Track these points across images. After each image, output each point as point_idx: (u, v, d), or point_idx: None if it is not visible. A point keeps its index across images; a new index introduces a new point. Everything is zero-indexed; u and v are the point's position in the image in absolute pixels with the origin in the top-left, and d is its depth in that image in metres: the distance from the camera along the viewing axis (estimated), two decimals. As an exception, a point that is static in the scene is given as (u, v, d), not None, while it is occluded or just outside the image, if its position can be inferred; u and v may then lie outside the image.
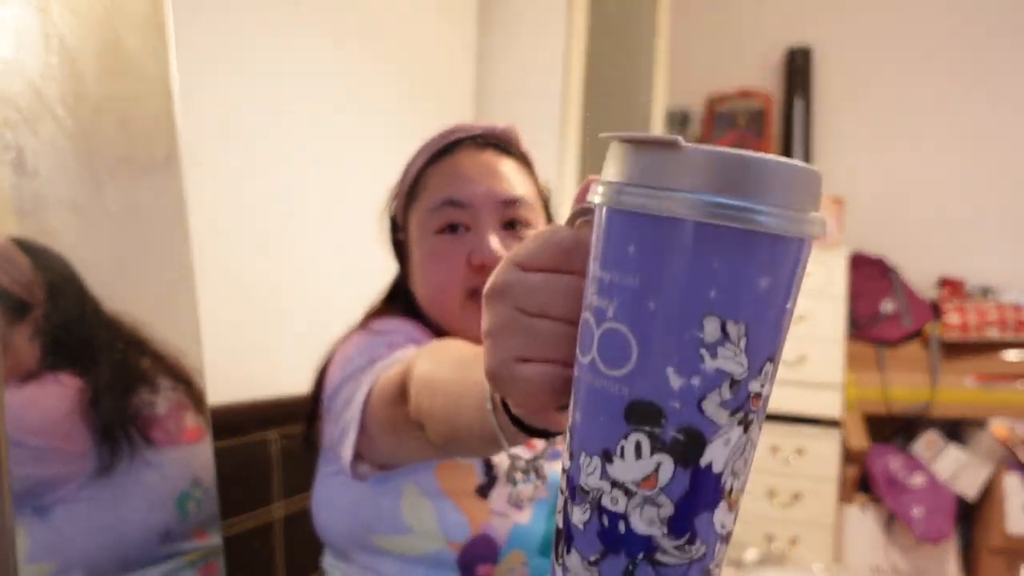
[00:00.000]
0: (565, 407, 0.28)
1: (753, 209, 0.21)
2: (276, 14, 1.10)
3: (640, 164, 0.23)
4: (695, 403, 0.23)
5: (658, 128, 2.15)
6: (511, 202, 0.68)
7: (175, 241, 0.79)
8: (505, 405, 0.34)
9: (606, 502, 0.25)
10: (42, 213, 0.66)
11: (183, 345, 0.78)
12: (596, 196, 0.25)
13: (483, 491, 0.63)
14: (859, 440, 2.10)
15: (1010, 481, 1.94)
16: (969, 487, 2.02)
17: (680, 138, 0.22)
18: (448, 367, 0.45)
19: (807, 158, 2.48)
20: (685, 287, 0.22)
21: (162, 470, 0.75)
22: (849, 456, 2.11)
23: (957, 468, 2.04)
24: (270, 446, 0.95)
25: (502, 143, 0.72)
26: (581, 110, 1.71)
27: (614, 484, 0.24)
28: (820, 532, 2.09)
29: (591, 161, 1.78)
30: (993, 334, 2.04)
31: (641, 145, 0.23)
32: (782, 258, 0.23)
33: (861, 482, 2.13)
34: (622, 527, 0.24)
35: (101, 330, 0.70)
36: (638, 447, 0.24)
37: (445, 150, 0.70)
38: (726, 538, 0.26)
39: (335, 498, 0.66)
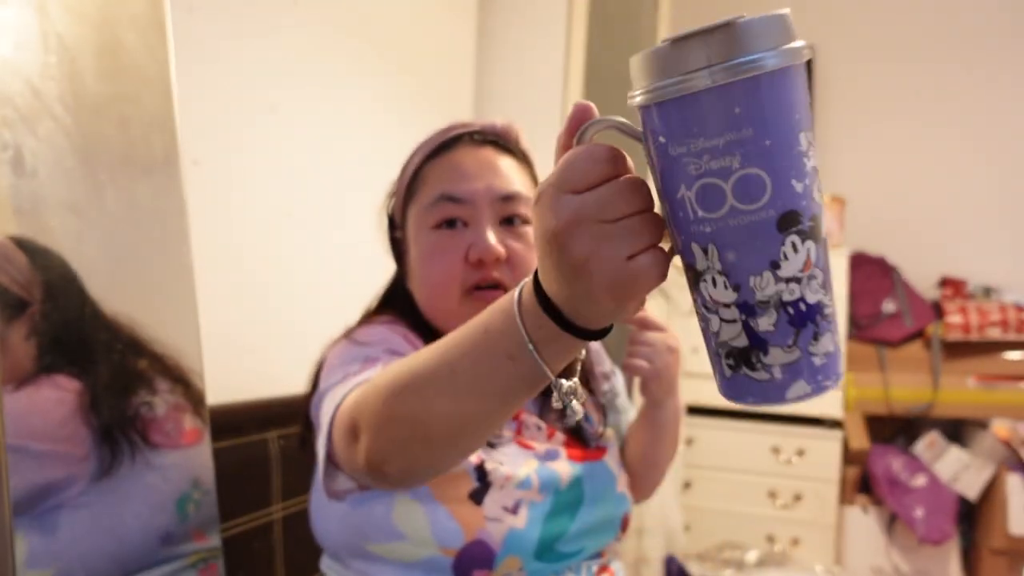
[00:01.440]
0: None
1: (796, 50, 0.31)
2: (275, 13, 1.10)
3: (706, 50, 0.31)
4: (811, 196, 0.32)
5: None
6: (509, 198, 0.67)
7: (174, 241, 0.79)
8: (557, 319, 0.37)
9: (786, 296, 0.32)
10: (41, 213, 0.66)
11: (182, 345, 0.78)
12: (654, 88, 0.32)
13: (476, 497, 0.62)
14: (860, 441, 2.10)
15: (1012, 481, 1.94)
16: (971, 488, 2.01)
17: (732, 19, 0.31)
18: (434, 353, 0.44)
19: (808, 158, 2.48)
20: (785, 120, 0.31)
21: (162, 472, 0.74)
22: (850, 457, 2.11)
23: (959, 469, 2.04)
24: (269, 446, 0.95)
25: (501, 140, 0.72)
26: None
27: (788, 280, 0.32)
28: (821, 533, 2.08)
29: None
30: (995, 334, 2.04)
31: (699, 35, 0.32)
32: (797, 80, 0.32)
33: (862, 483, 2.12)
34: (803, 306, 0.32)
35: (100, 330, 0.70)
36: (794, 245, 0.32)
37: (443, 147, 0.70)
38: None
39: (329, 504, 0.66)
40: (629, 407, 0.87)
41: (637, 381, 0.74)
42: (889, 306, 2.18)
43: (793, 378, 0.33)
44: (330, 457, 0.57)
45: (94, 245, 0.70)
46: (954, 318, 2.06)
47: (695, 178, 0.31)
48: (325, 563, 0.71)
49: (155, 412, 0.74)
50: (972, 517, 2.09)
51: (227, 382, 0.92)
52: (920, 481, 2.01)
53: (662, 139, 0.32)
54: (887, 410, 2.11)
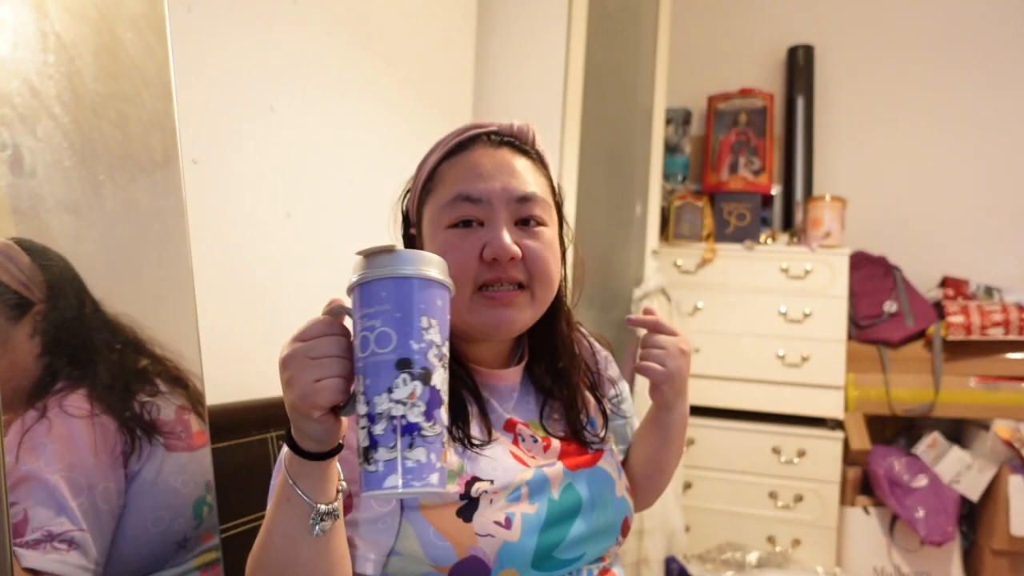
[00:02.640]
0: (343, 408, 0.52)
1: (419, 273, 0.50)
2: (274, 13, 1.10)
3: (378, 260, 0.50)
4: (424, 355, 0.49)
5: (659, 128, 2.15)
6: (525, 199, 0.67)
7: (173, 240, 0.78)
8: (302, 453, 0.53)
9: (394, 412, 0.48)
10: (39, 212, 0.66)
11: (182, 345, 0.78)
12: (356, 276, 0.51)
13: (464, 515, 0.62)
14: (861, 441, 2.09)
15: (1014, 482, 1.93)
16: (972, 488, 2.01)
17: (393, 245, 0.50)
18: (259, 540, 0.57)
19: (809, 156, 2.48)
20: (411, 303, 0.49)
21: (180, 475, 0.74)
22: (851, 457, 2.10)
23: (960, 469, 2.03)
24: (269, 447, 0.94)
25: (518, 140, 0.71)
26: (581, 110, 1.70)
27: (396, 402, 0.48)
28: (822, 534, 2.08)
29: (591, 162, 1.78)
30: (996, 334, 2.03)
31: (374, 254, 0.50)
32: (435, 288, 0.51)
33: (863, 484, 2.12)
34: (404, 421, 0.48)
35: (102, 331, 0.70)
36: (404, 380, 0.48)
37: (460, 146, 0.70)
38: (447, 428, 0.51)
39: None
40: (634, 413, 0.86)
41: (645, 384, 0.74)
42: (890, 306, 2.17)
43: (389, 472, 0.48)
44: None
45: (93, 245, 0.70)
46: (956, 318, 2.05)
47: (359, 332, 0.50)
48: None
49: (164, 413, 0.74)
50: (973, 518, 2.08)
51: (226, 382, 0.91)
52: (921, 482, 2.01)
53: (353, 308, 0.51)
54: (888, 410, 2.11)
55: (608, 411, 0.79)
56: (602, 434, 0.75)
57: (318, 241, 1.20)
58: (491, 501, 0.63)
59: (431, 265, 0.51)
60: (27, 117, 0.65)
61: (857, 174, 2.48)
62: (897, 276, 2.24)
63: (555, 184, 0.74)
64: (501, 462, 0.66)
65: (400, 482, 0.47)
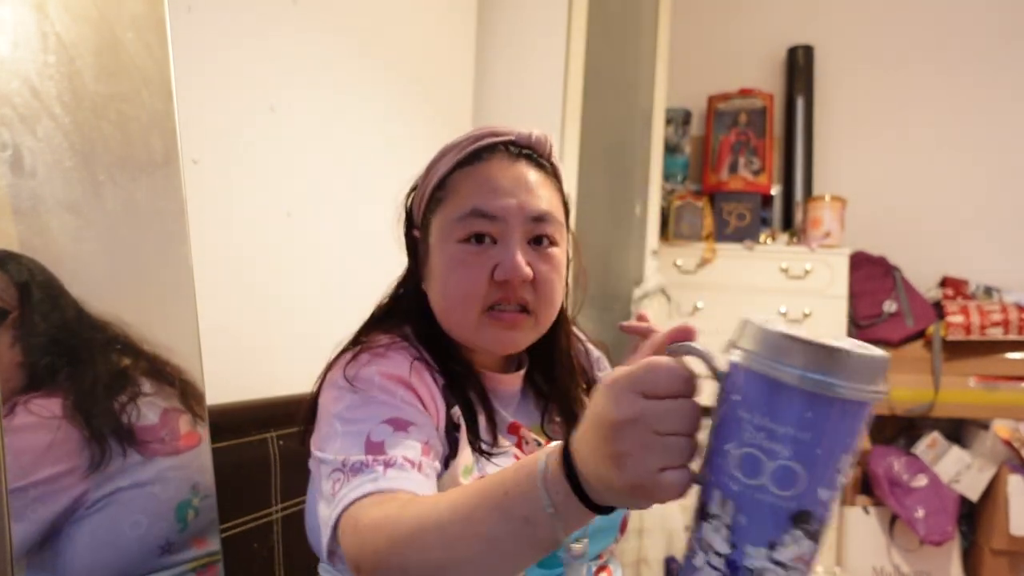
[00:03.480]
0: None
1: (874, 392, 0.35)
2: (274, 13, 1.10)
3: (813, 359, 0.35)
4: (828, 507, 0.36)
5: (659, 128, 2.15)
6: (540, 218, 0.66)
7: (173, 241, 0.78)
8: (579, 494, 0.41)
9: (767, 572, 0.37)
10: (39, 212, 0.66)
11: (181, 345, 0.78)
12: (759, 355, 0.37)
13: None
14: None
15: (1013, 482, 1.94)
16: (972, 488, 2.01)
17: (846, 347, 0.35)
18: (449, 507, 0.46)
19: (808, 156, 2.48)
20: (839, 439, 0.35)
21: (160, 480, 0.74)
22: (851, 457, 2.10)
23: (960, 469, 2.03)
24: (269, 447, 0.95)
25: (535, 153, 0.70)
26: (581, 110, 1.70)
27: (776, 563, 0.37)
28: (822, 533, 2.08)
29: (591, 162, 1.78)
30: (996, 334, 2.03)
31: (810, 344, 0.35)
32: (866, 416, 0.37)
33: (863, 483, 2.12)
34: None
35: (95, 334, 0.70)
36: (796, 538, 0.36)
37: (477, 155, 0.68)
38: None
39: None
40: None
41: None
42: (890, 306, 2.17)
43: None
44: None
45: (93, 244, 0.70)
46: (955, 318, 2.05)
47: (747, 443, 0.36)
48: (323, 567, 0.71)
49: (147, 418, 0.73)
50: (973, 517, 2.08)
51: (226, 382, 0.92)
52: (921, 481, 2.01)
53: (736, 396, 0.37)
54: (888, 410, 2.11)
55: None
56: None
57: (318, 241, 1.20)
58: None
59: (880, 375, 0.36)
60: (27, 117, 0.65)
61: (857, 174, 2.48)
62: (897, 276, 2.24)
63: (564, 197, 0.73)
64: (508, 461, 0.66)
65: None
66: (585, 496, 0.41)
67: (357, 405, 0.60)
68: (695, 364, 0.40)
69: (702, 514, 0.39)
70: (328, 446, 0.58)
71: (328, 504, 0.55)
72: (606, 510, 0.42)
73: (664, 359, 0.39)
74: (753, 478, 0.36)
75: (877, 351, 0.35)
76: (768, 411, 0.36)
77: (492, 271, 0.64)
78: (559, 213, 0.69)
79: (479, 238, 0.65)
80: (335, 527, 0.53)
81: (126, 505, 0.70)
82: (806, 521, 0.36)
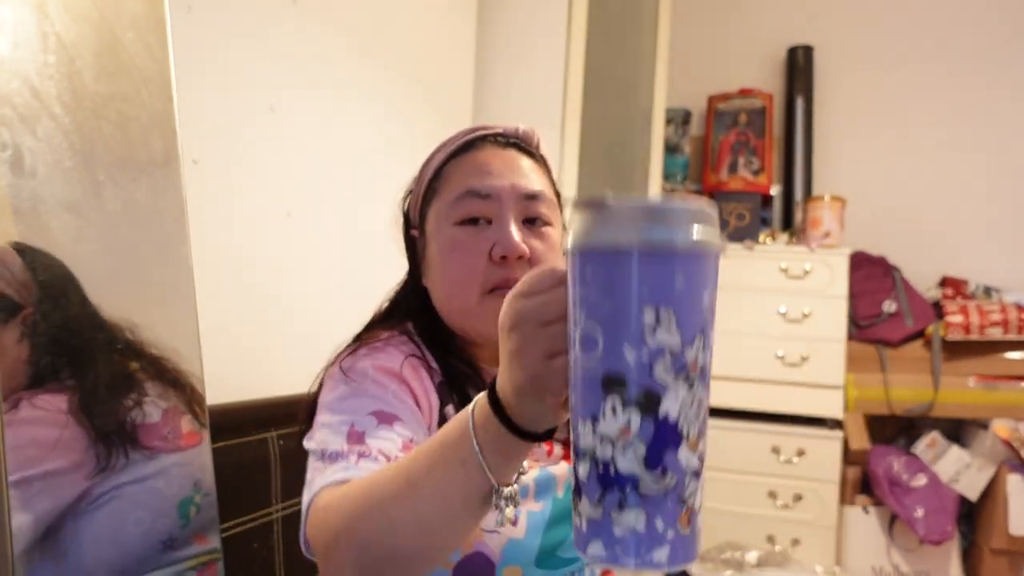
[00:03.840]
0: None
1: (669, 236, 0.33)
2: (274, 13, 1.10)
3: (593, 219, 0.34)
4: (647, 370, 0.33)
5: (659, 128, 2.15)
6: (533, 197, 0.67)
7: (173, 241, 0.79)
8: (509, 426, 0.42)
9: (599, 453, 0.34)
10: (40, 213, 0.66)
11: (181, 346, 0.78)
12: (566, 239, 0.37)
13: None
14: (860, 441, 2.09)
15: (1012, 481, 1.94)
16: (971, 488, 2.01)
17: (608, 196, 0.34)
18: (395, 468, 0.47)
19: (808, 156, 2.48)
20: (629, 290, 0.33)
21: (163, 477, 0.74)
22: (850, 457, 2.10)
23: (959, 469, 2.04)
24: (269, 447, 0.95)
25: (523, 143, 0.72)
26: (581, 110, 1.70)
27: (602, 439, 0.34)
28: (822, 533, 2.08)
29: (591, 162, 1.78)
30: (995, 334, 2.03)
31: (588, 206, 0.35)
32: (689, 263, 0.34)
33: (863, 483, 2.12)
34: (612, 470, 0.34)
35: (97, 332, 0.70)
36: (614, 408, 0.34)
37: (467, 146, 0.70)
38: (695, 474, 0.36)
39: None
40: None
41: None
42: (890, 306, 2.18)
43: (593, 535, 0.35)
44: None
45: (93, 245, 0.70)
46: (955, 318, 2.06)
47: (569, 320, 0.36)
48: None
49: (151, 416, 0.74)
50: (973, 517, 2.08)
51: (227, 382, 0.92)
52: (921, 481, 2.01)
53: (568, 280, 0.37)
54: (888, 410, 2.11)
55: None
56: None
57: (318, 241, 1.20)
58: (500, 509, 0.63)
59: (672, 220, 0.33)
60: (28, 117, 0.65)
61: (856, 174, 2.48)
62: (896, 276, 2.24)
63: (557, 191, 0.74)
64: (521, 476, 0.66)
65: (603, 554, 0.34)
66: (508, 422, 0.42)
67: (347, 396, 0.60)
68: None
69: None
70: (315, 435, 0.59)
71: (307, 492, 0.55)
72: (530, 436, 0.42)
73: (541, 266, 0.43)
74: (573, 349, 0.36)
75: (647, 199, 0.34)
76: (572, 280, 0.36)
77: (490, 251, 0.65)
78: (551, 196, 0.70)
79: (474, 220, 0.66)
80: (306, 513, 0.53)
81: (129, 500, 0.71)
82: (619, 385, 0.33)
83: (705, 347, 0.34)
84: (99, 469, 0.68)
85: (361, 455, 0.55)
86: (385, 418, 0.58)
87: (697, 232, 0.33)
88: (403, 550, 0.46)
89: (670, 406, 0.33)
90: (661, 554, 0.34)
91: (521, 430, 0.42)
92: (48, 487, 0.64)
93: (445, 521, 0.46)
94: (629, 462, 0.33)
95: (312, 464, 0.57)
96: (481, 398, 0.44)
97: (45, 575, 0.64)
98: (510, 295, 0.41)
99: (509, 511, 0.46)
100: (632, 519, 0.34)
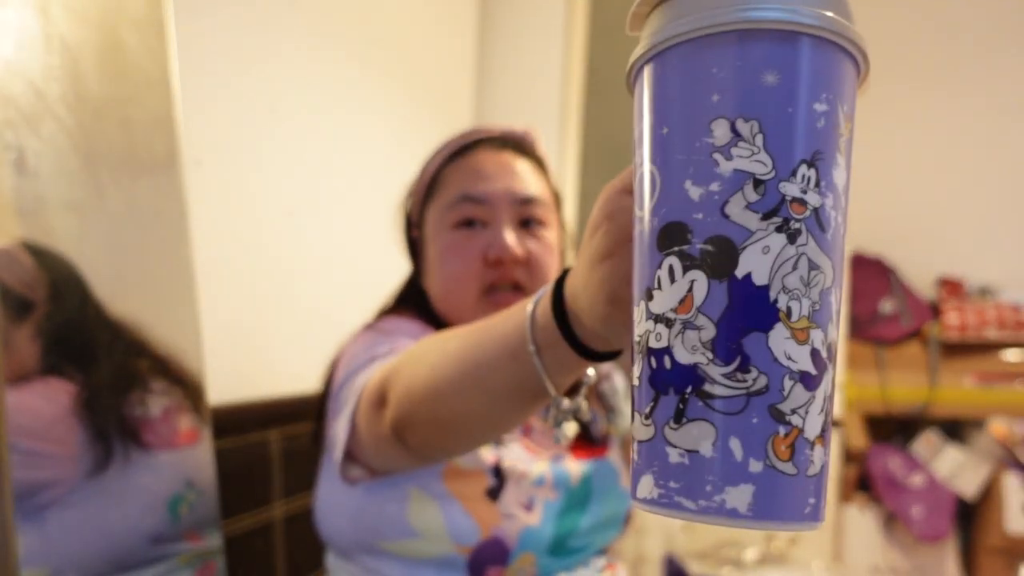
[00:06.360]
0: None
1: (761, 14, 0.22)
2: (275, 14, 1.11)
3: (663, 16, 0.25)
4: (718, 209, 0.23)
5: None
6: (528, 200, 0.68)
7: (175, 241, 0.79)
8: (570, 338, 0.36)
9: (651, 343, 0.23)
10: (43, 213, 0.66)
11: (183, 345, 0.78)
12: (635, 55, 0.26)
13: (493, 494, 0.62)
14: (858, 440, 2.10)
15: (1009, 480, 1.95)
16: (968, 487, 2.02)
17: None
18: (454, 342, 0.44)
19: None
20: (688, 100, 0.23)
21: (154, 473, 0.74)
22: (848, 456, 2.11)
23: (956, 467, 2.05)
24: (271, 446, 0.95)
25: (520, 145, 0.72)
26: (581, 111, 1.71)
27: (656, 320, 0.23)
28: (819, 531, 2.09)
29: (591, 162, 1.78)
30: (992, 334, 2.04)
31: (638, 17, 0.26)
32: (782, 53, 0.22)
33: (860, 482, 2.13)
34: (668, 362, 0.23)
35: (102, 331, 0.70)
36: (671, 271, 0.23)
37: (464, 149, 0.71)
38: (804, 378, 0.22)
39: (339, 501, 0.66)
40: (626, 407, 0.87)
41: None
42: (887, 306, 2.18)
43: (644, 468, 0.24)
44: (348, 448, 0.58)
45: (96, 245, 0.71)
46: (952, 318, 2.07)
47: (634, 167, 0.26)
48: (330, 560, 0.72)
49: (149, 413, 0.74)
50: (969, 516, 2.09)
51: (228, 381, 0.92)
52: (918, 480, 2.02)
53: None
54: (885, 409, 2.12)
55: (607, 404, 0.80)
56: (605, 427, 0.76)
57: (320, 240, 1.20)
58: (517, 483, 0.63)
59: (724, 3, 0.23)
60: (31, 119, 0.65)
61: (854, 174, 2.48)
62: (893, 276, 2.25)
63: (555, 190, 0.75)
64: (516, 449, 0.67)
65: (654, 494, 0.24)
66: (572, 334, 0.36)
67: (379, 341, 0.62)
68: None
69: None
70: (349, 371, 0.60)
71: (343, 408, 0.56)
72: (590, 354, 0.36)
73: None
74: (638, 209, 0.26)
75: None
76: (635, 114, 0.26)
77: (485, 252, 0.66)
78: (548, 198, 0.71)
79: (470, 223, 0.67)
80: (355, 408, 0.54)
81: (116, 495, 0.71)
82: (679, 237, 0.23)
83: (824, 187, 0.23)
84: (97, 467, 0.68)
85: (393, 351, 0.57)
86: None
87: (811, 14, 0.22)
88: (451, 427, 0.44)
89: (755, 263, 0.22)
90: (739, 496, 0.22)
91: (582, 346, 0.36)
92: (47, 487, 0.65)
93: (491, 411, 0.42)
94: (691, 350, 0.23)
95: (362, 373, 0.57)
96: (545, 296, 0.38)
97: (37, 563, 0.64)
98: (613, 182, 0.33)
99: (567, 429, 0.41)
100: (693, 436, 0.22)
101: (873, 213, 2.43)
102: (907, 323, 2.15)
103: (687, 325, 0.23)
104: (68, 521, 0.67)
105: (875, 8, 2.50)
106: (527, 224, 0.68)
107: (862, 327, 2.18)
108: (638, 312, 0.25)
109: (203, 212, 0.90)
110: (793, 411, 0.22)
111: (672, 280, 0.23)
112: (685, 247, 0.23)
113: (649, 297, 0.24)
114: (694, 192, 0.23)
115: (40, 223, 0.66)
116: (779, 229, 0.23)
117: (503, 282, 0.66)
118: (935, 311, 2.15)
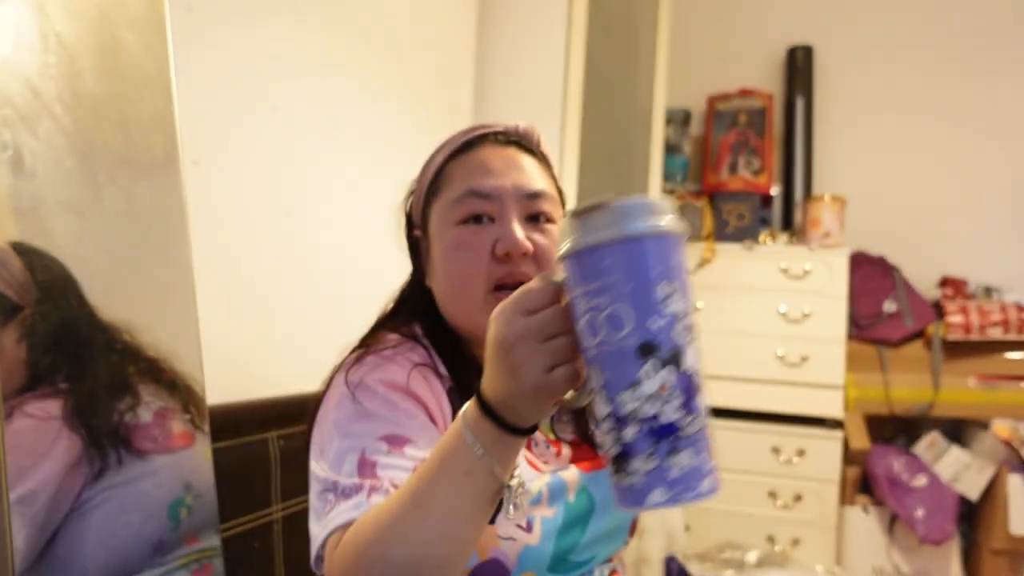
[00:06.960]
0: (578, 396, 0.45)
1: (651, 226, 0.41)
2: (275, 13, 1.10)
3: (593, 221, 0.41)
4: (669, 333, 0.40)
5: (659, 128, 2.15)
6: (535, 195, 0.67)
7: (174, 241, 0.79)
8: (505, 427, 0.46)
9: (645, 412, 0.40)
10: (40, 213, 0.66)
11: (182, 346, 0.78)
12: (568, 242, 0.42)
13: (491, 518, 0.62)
14: (861, 441, 2.10)
15: (1013, 482, 1.94)
16: (971, 488, 2.01)
17: (608, 198, 0.41)
18: (399, 495, 0.49)
19: (808, 156, 2.48)
20: (646, 270, 0.40)
21: (152, 478, 0.73)
22: (851, 457, 2.10)
23: (959, 469, 2.04)
24: (269, 447, 0.95)
25: (523, 141, 0.71)
26: (581, 110, 1.70)
27: (647, 398, 0.40)
28: (822, 533, 2.08)
29: (591, 162, 1.78)
30: (995, 334, 2.03)
31: (586, 212, 0.41)
32: (679, 243, 0.42)
33: (863, 483, 2.12)
34: (659, 422, 0.40)
35: (96, 334, 0.70)
36: (650, 370, 0.39)
37: (468, 145, 0.70)
38: (709, 413, 0.42)
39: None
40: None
41: None
42: (890, 306, 2.18)
43: (653, 484, 0.40)
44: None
45: (93, 245, 0.70)
46: (955, 318, 2.06)
47: (584, 313, 0.41)
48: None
49: (140, 418, 0.73)
50: (973, 517, 2.08)
51: (227, 382, 0.92)
52: (921, 481, 2.01)
53: (568, 287, 0.43)
54: (888, 410, 2.11)
55: None
56: None
57: (318, 241, 1.20)
58: (517, 505, 0.63)
59: (658, 213, 0.41)
60: (28, 118, 0.65)
61: (856, 174, 2.48)
62: (896, 276, 2.24)
63: (559, 186, 0.74)
64: (521, 469, 0.66)
65: (666, 497, 0.40)
66: (503, 423, 0.45)
67: (355, 418, 0.59)
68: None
69: (596, 399, 0.43)
70: (323, 457, 0.59)
71: (317, 522, 0.56)
72: (528, 431, 0.46)
73: (535, 280, 0.45)
74: (597, 336, 0.40)
75: (637, 197, 0.41)
76: (581, 279, 0.41)
77: (492, 248, 0.64)
78: (553, 194, 0.70)
79: (477, 218, 0.66)
80: (322, 546, 0.54)
81: (118, 503, 0.70)
82: (652, 351, 0.39)
83: (690, 313, 0.42)
84: (93, 474, 0.68)
85: (373, 490, 0.54)
86: (396, 442, 0.57)
87: (675, 220, 0.42)
88: (422, 563, 0.47)
89: (691, 359, 0.40)
90: (707, 484, 0.40)
91: (515, 428, 0.46)
92: (43, 495, 0.64)
93: (459, 530, 0.48)
94: (673, 411, 0.39)
95: (322, 494, 0.56)
96: (470, 408, 0.47)
97: (39, 572, 0.63)
98: (505, 309, 0.44)
99: (521, 500, 0.48)
100: (685, 458, 0.40)
101: (876, 214, 2.42)
102: (910, 323, 2.14)
103: (668, 398, 0.40)
104: (71, 535, 0.66)
105: (879, 12, 2.50)
106: (534, 219, 0.67)
107: (865, 327, 2.18)
108: (623, 396, 0.40)
109: (201, 212, 0.89)
110: (710, 431, 0.42)
111: (653, 375, 0.40)
112: (657, 355, 0.40)
113: (636, 385, 0.40)
114: (656, 323, 0.40)
115: (37, 223, 0.66)
116: (691, 339, 0.41)
117: (511, 280, 0.65)
118: (938, 311, 2.14)
